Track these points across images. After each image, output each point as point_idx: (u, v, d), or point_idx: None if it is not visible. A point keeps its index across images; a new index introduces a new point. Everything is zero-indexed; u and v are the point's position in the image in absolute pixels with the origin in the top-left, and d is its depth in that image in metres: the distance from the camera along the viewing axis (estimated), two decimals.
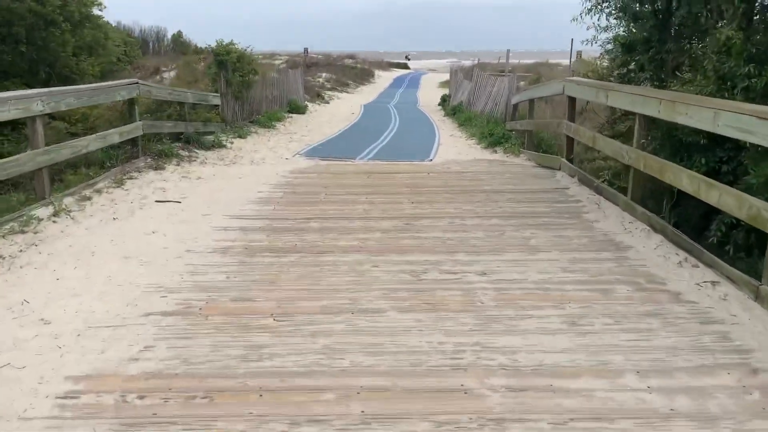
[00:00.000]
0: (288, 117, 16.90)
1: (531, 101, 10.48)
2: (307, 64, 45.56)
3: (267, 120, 14.70)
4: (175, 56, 32.24)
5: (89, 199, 6.28)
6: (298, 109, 19.00)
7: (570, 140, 8.01)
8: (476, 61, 60.18)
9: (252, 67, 14.38)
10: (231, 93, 13.45)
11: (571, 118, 7.98)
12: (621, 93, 6.03)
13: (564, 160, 8.03)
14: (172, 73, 23.25)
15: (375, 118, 18.43)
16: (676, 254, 4.77)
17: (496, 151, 11.47)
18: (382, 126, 16.06)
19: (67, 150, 6.25)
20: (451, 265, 4.63)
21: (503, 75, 18.92)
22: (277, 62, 48.09)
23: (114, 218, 5.75)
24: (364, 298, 4.00)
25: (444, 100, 22.72)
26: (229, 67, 13.30)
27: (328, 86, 32.95)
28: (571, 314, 3.76)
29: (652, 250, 4.94)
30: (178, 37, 37.37)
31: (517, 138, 11.55)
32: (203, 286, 4.18)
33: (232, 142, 11.25)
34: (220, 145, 10.60)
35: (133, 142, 8.06)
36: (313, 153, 10.75)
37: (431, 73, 60.58)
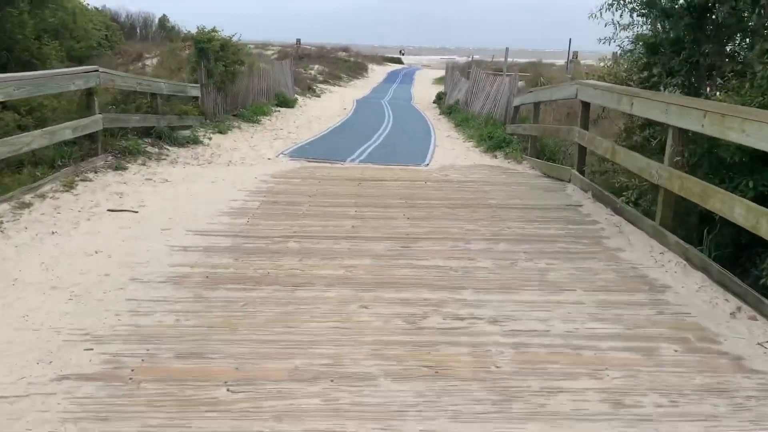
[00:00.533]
0: (275, 111, 15.96)
1: (536, 104, 9.66)
2: (299, 55, 44.52)
3: (252, 114, 13.76)
4: (161, 43, 31.07)
5: (29, 206, 5.36)
6: (287, 103, 18.06)
7: (582, 150, 7.20)
8: (471, 58, 59.57)
9: (237, 56, 13.43)
10: (213, 84, 12.50)
11: (585, 126, 7.17)
12: (651, 101, 5.22)
13: (575, 171, 7.22)
14: (155, 60, 22.17)
15: (367, 115, 17.55)
16: (726, 300, 3.96)
17: (496, 156, 10.65)
18: (375, 124, 15.19)
19: (4, 148, 5.33)
20: (456, 307, 3.80)
21: (502, 74, 18.09)
22: (269, 53, 47.13)
23: (52, 232, 4.84)
24: (349, 356, 3.14)
25: (439, 98, 21.86)
26: (211, 56, 12.34)
27: (320, 79, 31.97)
28: (612, 387, 2.94)
29: (695, 292, 4.13)
30: (164, 22, 36.07)
31: (519, 143, 10.74)
32: (143, 334, 3.30)
33: (210, 138, 10.33)
34: (196, 142, 9.68)
35: (91, 138, 7.13)
36: (298, 153, 9.85)
37: (425, 69, 59.70)
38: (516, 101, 11.96)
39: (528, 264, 4.62)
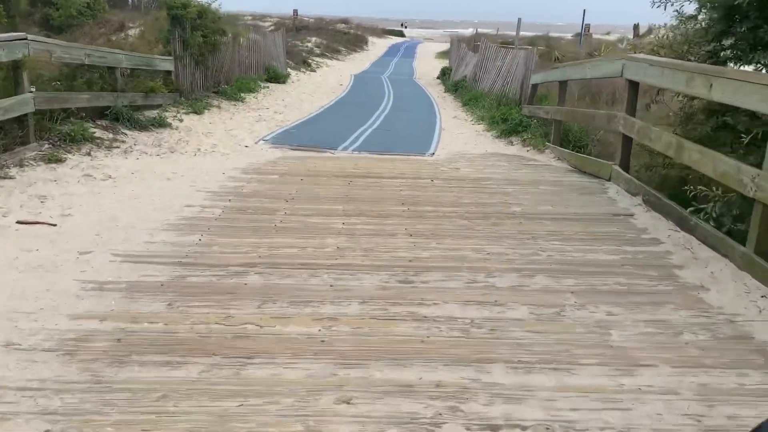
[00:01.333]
0: (264, 87, 14.48)
1: (562, 83, 8.22)
2: (296, 27, 42.65)
3: (236, 91, 12.30)
4: (151, 12, 29.30)
5: None
6: (278, 78, 16.55)
7: (627, 141, 5.83)
8: (475, 31, 57.40)
9: (218, 26, 11.91)
10: (189, 57, 11.03)
11: (632, 111, 5.77)
12: (747, 84, 3.82)
13: (617, 167, 5.86)
14: (138, 31, 20.55)
15: (366, 92, 16.06)
16: None
17: (512, 143, 9.26)
18: (374, 102, 13.73)
19: None
20: (485, 402, 2.47)
21: (514, 48, 16.54)
22: (266, 24, 45.25)
23: None
24: None
25: (444, 74, 20.31)
26: (187, 24, 10.84)
27: (317, 52, 30.26)
28: None
29: None
30: None
31: (538, 127, 9.34)
32: None
33: (181, 120, 8.92)
34: (162, 124, 8.28)
35: (20, 122, 5.75)
36: (282, 139, 8.45)
37: (428, 42, 57.58)
38: (535, 78, 10.50)
39: (580, 314, 3.30)
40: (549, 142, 8.49)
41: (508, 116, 10.65)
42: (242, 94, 12.37)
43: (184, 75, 10.88)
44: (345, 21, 53.11)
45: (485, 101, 12.99)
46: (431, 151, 8.18)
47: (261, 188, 5.56)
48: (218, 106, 10.74)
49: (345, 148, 8.11)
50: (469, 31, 62.32)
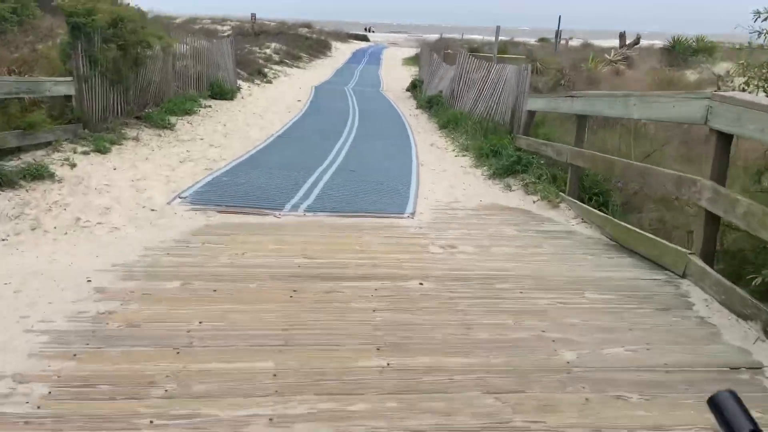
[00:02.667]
0: (203, 108, 12.18)
1: (582, 118, 6.21)
2: (255, 32, 40.23)
3: (164, 115, 9.98)
4: None
5: None
6: (224, 94, 14.24)
7: (713, 221, 3.88)
8: (440, 36, 55.84)
9: (142, 35, 9.58)
10: (99, 76, 8.69)
11: (721, 177, 3.82)
12: None
13: (699, 262, 3.89)
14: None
15: (327, 110, 13.88)
16: None
17: (510, 187, 7.26)
18: (336, 125, 11.56)
19: None
20: None
21: (492, 58, 14.61)
22: (225, 28, 42.66)
23: None
24: None
25: (414, 86, 18.30)
26: (95, 36, 8.51)
27: (276, 59, 27.95)
28: None
29: None
30: None
31: (541, 167, 7.36)
32: None
33: (74, 165, 6.60)
34: (39, 175, 5.94)
35: None
36: (208, 194, 6.19)
37: (393, 47, 55.77)
38: (534, 104, 8.50)
39: None
40: (558, 189, 6.55)
41: (499, 148, 8.68)
42: (173, 119, 10.05)
43: (91, 99, 8.53)
44: (308, 25, 50.86)
45: (467, 125, 11.01)
46: (410, 209, 6.07)
47: (140, 318, 3.34)
48: (136, 139, 8.43)
49: (295, 206, 5.94)
50: (434, 36, 60.87)
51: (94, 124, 8.52)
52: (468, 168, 8.46)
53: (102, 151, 7.41)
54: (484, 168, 8.30)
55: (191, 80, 13.54)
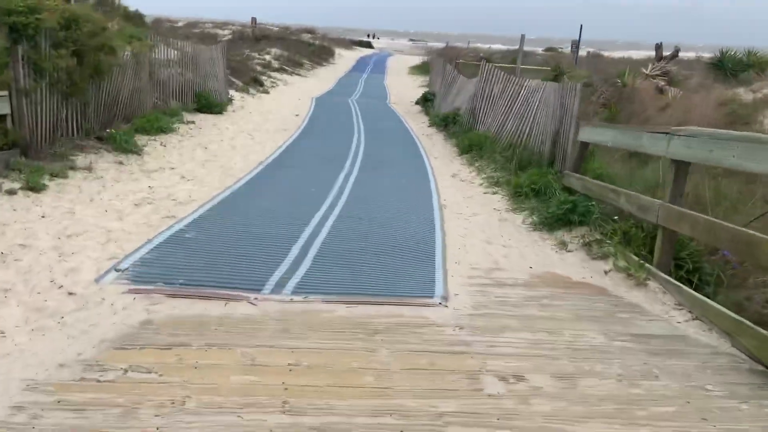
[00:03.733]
0: (185, 124, 10.49)
1: (681, 165, 4.47)
2: (256, 36, 38.74)
3: (131, 136, 8.25)
4: None
5: None
6: (212, 107, 12.56)
7: None
8: (446, 44, 54.33)
9: (102, 39, 7.88)
10: (48, 88, 7.00)
11: None
12: None
13: None
14: None
15: (328, 130, 12.16)
16: None
17: (565, 245, 5.53)
18: (338, 150, 9.81)
19: None
20: None
21: (516, 69, 12.90)
22: (225, 32, 41.14)
23: None
24: None
25: (426, 100, 16.60)
26: (42, 39, 6.82)
27: (276, 66, 26.34)
28: None
29: None
30: None
31: (607, 220, 5.62)
32: None
33: None
34: None
35: None
36: (158, 265, 4.36)
37: (397, 54, 54.30)
38: (591, 135, 6.70)
39: None
40: (636, 251, 4.83)
41: (542, 185, 6.98)
42: (143, 141, 8.35)
43: (34, 118, 6.82)
44: (311, 31, 49.47)
45: (493, 151, 9.30)
46: (440, 290, 4.33)
47: None
48: (88, 169, 6.70)
49: (279, 285, 4.20)
50: (440, 45, 59.32)
51: (38, 150, 6.81)
52: (504, 212, 6.74)
53: (35, 188, 5.68)
54: (525, 213, 6.58)
55: (174, 91, 11.86)
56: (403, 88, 24.36)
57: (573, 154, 7.16)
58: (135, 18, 29.05)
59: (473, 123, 11.29)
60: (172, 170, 7.26)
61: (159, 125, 9.45)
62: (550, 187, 6.96)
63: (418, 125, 13.81)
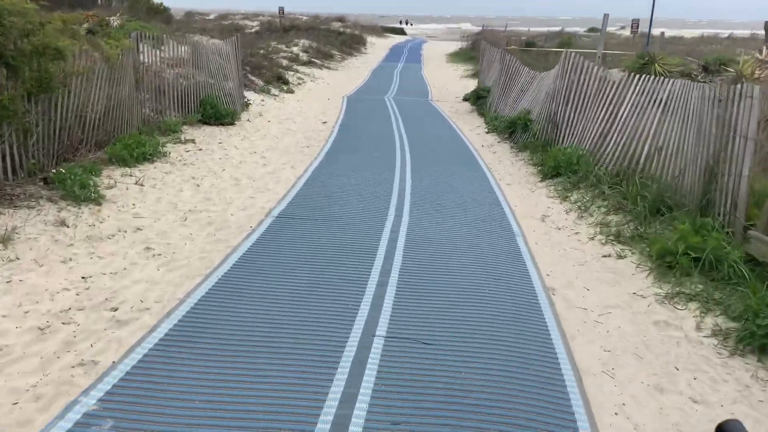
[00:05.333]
0: (182, 144, 8.15)
1: None
2: (284, 27, 36.57)
3: (86, 177, 5.91)
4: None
5: None
6: (220, 117, 10.20)
7: None
8: (482, 28, 50.98)
9: (45, 41, 5.54)
10: None
11: None
12: None
13: None
14: None
15: (362, 144, 9.58)
16: None
17: None
18: (376, 182, 7.20)
19: None
20: None
21: (595, 57, 10.06)
22: (254, 23, 39.13)
23: None
24: None
25: (479, 97, 13.89)
26: None
27: (304, 59, 23.99)
28: None
29: None
30: None
31: None
32: None
33: None
34: None
35: None
36: None
37: (431, 41, 51.35)
38: None
39: None
40: None
41: (707, 252, 4.36)
42: (112, 179, 6.01)
43: None
44: (341, 19, 47.06)
45: (597, 180, 6.63)
46: None
47: None
48: (1, 240, 4.40)
49: None
50: (476, 29, 55.91)
51: None
52: (655, 303, 4.13)
53: None
54: (693, 308, 3.98)
55: (173, 99, 9.56)
56: (444, 81, 21.66)
57: (744, 198, 4.49)
58: (160, 11, 27.15)
59: (553, 133, 8.61)
60: (135, 233, 4.87)
61: (143, 150, 7.13)
62: (722, 256, 4.33)
63: (473, 131, 11.16)
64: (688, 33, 35.24)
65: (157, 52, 9.85)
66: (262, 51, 21.30)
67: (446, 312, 3.83)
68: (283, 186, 6.62)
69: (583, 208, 6.17)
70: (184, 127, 9.37)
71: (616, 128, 7.10)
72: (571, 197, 6.59)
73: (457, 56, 32.26)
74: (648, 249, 4.91)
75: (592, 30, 45.95)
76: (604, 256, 4.99)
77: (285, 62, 21.41)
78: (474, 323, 3.70)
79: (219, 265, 4.32)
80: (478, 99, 13.78)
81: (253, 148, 8.62)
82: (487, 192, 6.92)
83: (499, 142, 10.16)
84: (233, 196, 6.15)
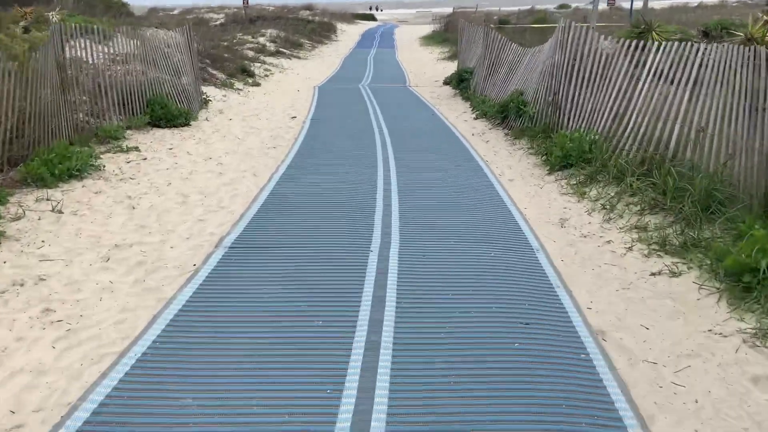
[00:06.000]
0: (123, 154, 6.85)
1: None
2: (248, 18, 34.98)
3: None
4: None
5: None
6: (173, 118, 8.87)
7: None
8: (453, 10, 49.76)
9: None
10: None
11: None
12: None
13: None
14: None
15: (336, 143, 8.32)
16: None
17: None
18: (353, 184, 6.04)
19: None
20: None
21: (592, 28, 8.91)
22: (219, 16, 37.46)
23: None
24: None
25: (462, 79, 12.69)
26: None
27: (271, 49, 22.57)
28: None
29: None
30: None
31: None
32: None
33: None
34: None
35: None
36: None
37: (403, 25, 49.95)
38: None
39: None
40: None
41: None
42: (24, 205, 4.76)
43: None
44: (309, 7, 45.40)
45: (620, 170, 5.53)
46: None
47: None
48: None
49: None
50: (447, 10, 54.64)
51: None
52: (748, 351, 3.04)
53: None
54: None
55: (113, 100, 8.23)
56: (420, 65, 20.44)
57: None
58: (114, 6, 25.40)
59: (555, 116, 7.48)
60: (35, 286, 3.63)
61: (68, 166, 5.85)
62: None
63: (459, 118, 10.00)
64: (657, 5, 34.64)
65: (102, 47, 8.51)
66: (225, 43, 19.88)
67: (465, 418, 2.68)
68: (241, 202, 5.38)
69: (608, 207, 5.06)
70: (129, 132, 8.07)
71: (634, 106, 6.00)
72: (589, 193, 5.48)
73: (430, 39, 31.06)
74: (709, 261, 3.82)
75: (562, 7, 45.04)
76: (653, 275, 3.89)
77: (251, 54, 19.99)
78: (508, 416, 2.55)
79: (142, 334, 3.12)
80: (461, 82, 12.60)
81: (209, 153, 7.36)
82: (488, 193, 5.76)
83: (490, 129, 9.01)
84: (177, 219, 4.91)
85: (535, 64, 8.62)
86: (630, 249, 4.30)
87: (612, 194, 5.27)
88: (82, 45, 8.06)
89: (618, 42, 6.65)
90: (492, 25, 21.56)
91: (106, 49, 8.82)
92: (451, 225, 4.79)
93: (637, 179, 5.22)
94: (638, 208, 4.89)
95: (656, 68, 5.81)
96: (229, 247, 4.25)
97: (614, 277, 3.90)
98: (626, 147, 5.89)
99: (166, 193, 5.61)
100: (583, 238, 4.59)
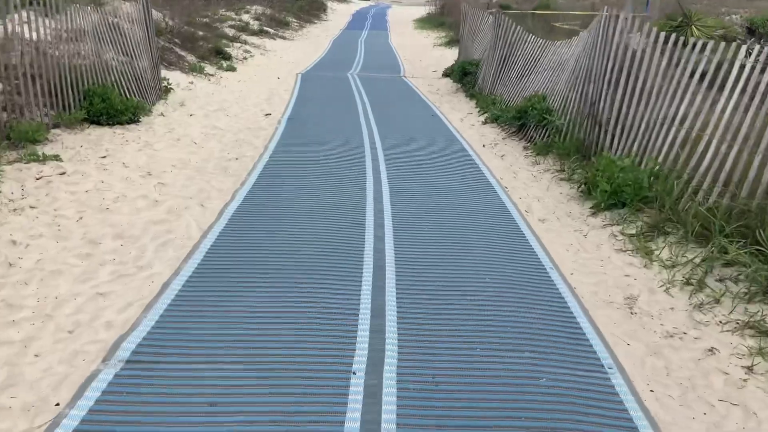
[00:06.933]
0: (37, 165, 5.17)
1: None
2: None
3: None
4: None
5: None
6: (117, 114, 7.21)
7: None
8: None
9: None
10: None
11: None
12: None
13: None
14: None
15: (314, 153, 6.69)
16: None
17: None
18: (336, 225, 4.49)
19: None
20: None
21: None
22: None
23: None
24: None
25: (466, 73, 11.06)
26: None
27: (255, 28, 20.69)
28: None
29: None
30: None
31: None
32: None
33: None
34: None
35: None
36: None
37: (396, 6, 47.92)
38: None
39: None
40: None
41: None
42: None
43: None
44: None
45: (695, 220, 4.05)
46: None
47: None
48: None
49: None
50: None
51: None
52: None
53: None
54: None
55: (41, 90, 6.52)
56: (416, 51, 18.75)
57: None
58: None
59: (592, 132, 5.94)
60: None
61: None
62: None
63: (464, 122, 8.41)
64: None
65: (46, 21, 6.77)
66: (206, 20, 18.00)
67: None
68: (171, 256, 3.77)
69: (696, 286, 3.56)
70: (57, 131, 6.40)
71: (714, 128, 4.49)
72: (659, 254, 3.98)
73: (425, 22, 29.27)
74: None
75: None
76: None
77: (232, 32, 18.14)
78: None
79: None
80: (464, 75, 10.98)
81: (151, 166, 5.72)
82: (518, 247, 4.21)
83: (503, 138, 7.46)
84: (65, 291, 3.30)
85: (564, 63, 7.05)
86: (750, 370, 2.81)
87: (695, 259, 3.77)
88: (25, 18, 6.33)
89: (678, 42, 5.10)
90: (494, 10, 19.92)
91: (54, 24, 7.09)
92: (470, 321, 3.24)
93: (731, 241, 3.72)
94: (742, 288, 3.40)
95: (746, 80, 4.30)
96: (126, 362, 2.65)
97: (735, 424, 2.42)
98: (703, 186, 4.39)
99: (67, 237, 3.98)
100: (669, 339, 3.10)
